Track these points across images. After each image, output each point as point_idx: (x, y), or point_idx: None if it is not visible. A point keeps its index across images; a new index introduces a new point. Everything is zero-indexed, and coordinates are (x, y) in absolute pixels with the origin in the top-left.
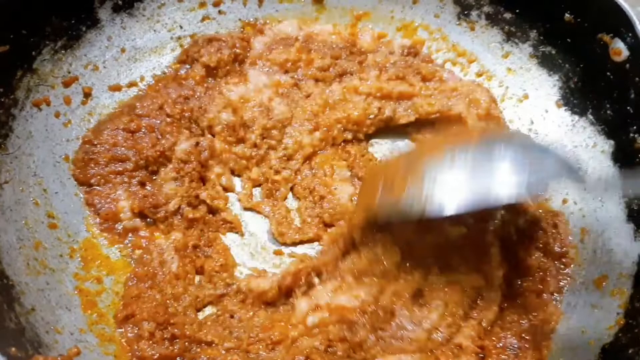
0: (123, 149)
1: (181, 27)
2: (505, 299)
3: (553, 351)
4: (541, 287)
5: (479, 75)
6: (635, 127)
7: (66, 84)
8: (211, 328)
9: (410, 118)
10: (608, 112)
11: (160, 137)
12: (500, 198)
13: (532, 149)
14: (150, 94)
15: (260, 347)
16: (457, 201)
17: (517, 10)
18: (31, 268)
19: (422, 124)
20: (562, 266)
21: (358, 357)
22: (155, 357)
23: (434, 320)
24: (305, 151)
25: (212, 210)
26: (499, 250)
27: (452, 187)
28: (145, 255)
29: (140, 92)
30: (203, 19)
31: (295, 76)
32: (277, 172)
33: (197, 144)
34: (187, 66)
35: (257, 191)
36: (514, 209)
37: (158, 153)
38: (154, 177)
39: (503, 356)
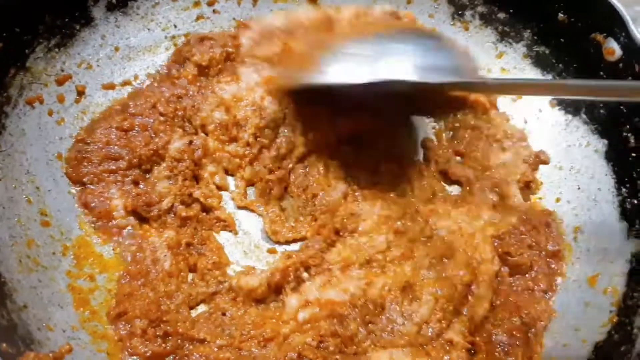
0: (116, 147)
1: (175, 26)
2: (496, 296)
3: (546, 349)
4: (533, 284)
5: None
6: (628, 127)
7: (60, 82)
8: (203, 325)
9: None
10: (601, 111)
11: (153, 135)
12: (401, 74)
13: (432, 42)
14: (143, 93)
15: (253, 344)
16: (360, 72)
17: (511, 10)
18: (23, 265)
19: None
20: (555, 264)
21: (349, 351)
22: (148, 354)
23: (424, 315)
24: (299, 151)
25: (206, 209)
26: (492, 247)
27: (354, 61)
28: (138, 253)
29: (133, 91)
30: (197, 18)
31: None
32: (270, 171)
33: (191, 142)
34: (180, 65)
35: (251, 190)
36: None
37: (151, 152)
38: (147, 176)
39: (494, 353)
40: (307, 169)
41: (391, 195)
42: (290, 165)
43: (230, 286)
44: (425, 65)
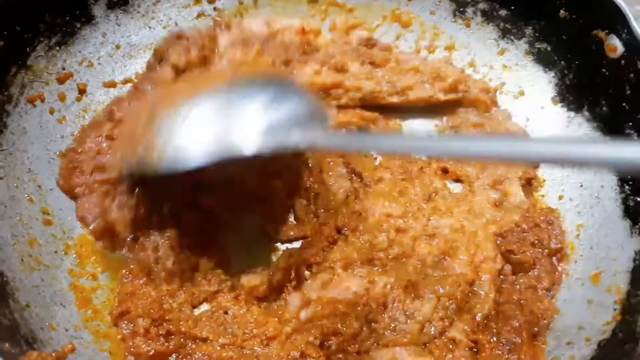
0: (108, 156)
1: (176, 24)
2: (499, 294)
3: (549, 347)
4: (536, 283)
5: (475, 72)
6: (630, 124)
7: (61, 81)
8: (206, 324)
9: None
10: (604, 108)
11: None
12: (240, 148)
13: (279, 93)
14: (125, 99)
15: (255, 342)
16: (195, 154)
17: (513, 7)
18: (26, 264)
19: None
20: (557, 262)
21: (352, 350)
22: (151, 353)
23: (427, 313)
24: None
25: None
26: (494, 245)
27: (189, 137)
28: (140, 252)
29: (114, 98)
30: (198, 16)
31: None
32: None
33: None
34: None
35: None
36: None
37: None
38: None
39: (497, 351)
40: (310, 167)
41: (393, 193)
42: None
43: (232, 285)
44: (273, 122)
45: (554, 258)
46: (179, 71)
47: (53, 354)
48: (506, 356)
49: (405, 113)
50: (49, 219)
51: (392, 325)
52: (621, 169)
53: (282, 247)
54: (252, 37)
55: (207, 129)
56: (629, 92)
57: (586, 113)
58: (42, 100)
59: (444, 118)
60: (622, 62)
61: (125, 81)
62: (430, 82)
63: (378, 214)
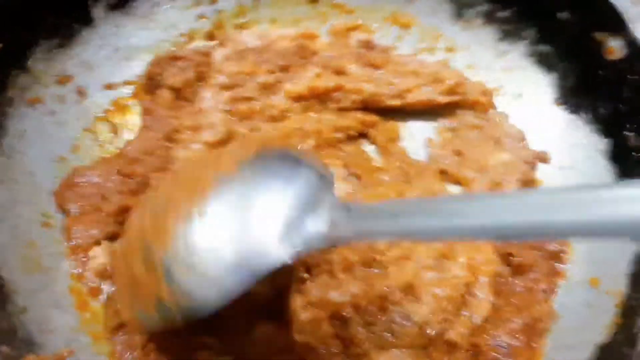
0: (111, 187)
1: (176, 26)
2: (498, 297)
3: (548, 350)
4: (535, 285)
5: (475, 74)
6: (629, 126)
7: (60, 83)
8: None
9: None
10: (603, 110)
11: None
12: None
13: (287, 173)
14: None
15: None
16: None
17: (513, 9)
18: (24, 267)
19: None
20: (556, 265)
21: (352, 352)
22: None
23: (426, 316)
24: None
25: None
26: (493, 247)
27: (214, 268)
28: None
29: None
30: (198, 18)
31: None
32: None
33: None
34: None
35: None
36: None
37: None
38: None
39: (495, 354)
40: None
41: (391, 195)
42: None
43: None
44: (293, 216)
45: (552, 261)
46: (176, 90)
47: (52, 357)
48: (504, 359)
49: (404, 115)
50: (48, 222)
51: (391, 328)
52: None
53: None
54: (246, 50)
55: (229, 250)
56: (628, 94)
57: (585, 115)
58: (42, 103)
59: (443, 120)
60: (622, 64)
61: (125, 83)
62: (430, 85)
63: None
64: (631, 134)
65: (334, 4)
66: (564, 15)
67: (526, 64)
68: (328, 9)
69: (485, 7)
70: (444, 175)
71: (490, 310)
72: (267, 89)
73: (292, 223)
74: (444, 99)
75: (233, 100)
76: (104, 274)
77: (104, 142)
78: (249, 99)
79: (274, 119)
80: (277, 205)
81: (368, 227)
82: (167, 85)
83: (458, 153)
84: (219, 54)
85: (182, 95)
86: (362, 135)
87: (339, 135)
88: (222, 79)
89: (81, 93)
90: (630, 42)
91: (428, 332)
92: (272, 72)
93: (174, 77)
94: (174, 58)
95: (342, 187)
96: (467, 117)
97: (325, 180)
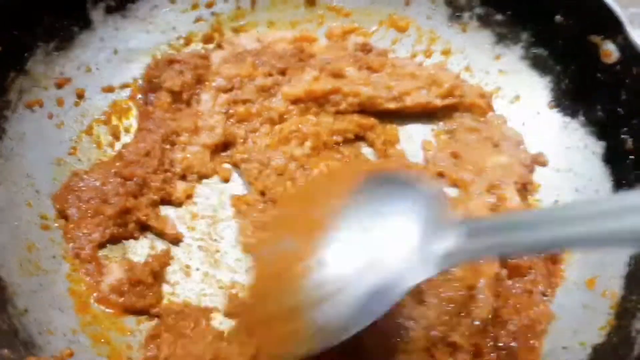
0: (110, 191)
1: (174, 29)
2: (497, 299)
3: (544, 351)
4: (532, 287)
5: (471, 77)
6: (626, 129)
7: (59, 86)
8: None
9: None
10: (599, 113)
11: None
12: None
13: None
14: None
15: None
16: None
17: (509, 12)
18: (24, 269)
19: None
20: (553, 266)
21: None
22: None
23: (431, 318)
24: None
25: None
26: None
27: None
28: None
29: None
30: (196, 20)
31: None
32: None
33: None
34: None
35: None
36: None
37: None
38: None
39: (495, 355)
40: (307, 171)
41: None
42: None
43: None
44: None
45: (549, 262)
46: (174, 93)
47: (51, 359)
48: None
49: (402, 118)
50: (47, 224)
51: (396, 330)
52: None
53: None
54: (244, 53)
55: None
56: (624, 97)
57: (582, 118)
58: (41, 105)
59: (440, 123)
60: (618, 67)
61: (124, 86)
62: (427, 88)
63: None
64: (627, 137)
65: (331, 7)
66: (559, 18)
67: (522, 67)
68: (325, 12)
69: (480, 11)
70: (442, 177)
71: (490, 312)
72: (265, 91)
73: (421, 245)
74: (441, 102)
75: (231, 102)
76: (119, 290)
77: (102, 144)
78: (247, 101)
79: (271, 121)
80: (405, 228)
81: (491, 243)
82: (166, 88)
83: (456, 155)
84: (217, 57)
85: (181, 97)
86: (360, 138)
87: (337, 138)
88: (220, 81)
89: (80, 95)
90: (626, 44)
91: (432, 334)
92: (270, 74)
93: (173, 79)
94: (173, 61)
95: None
96: (465, 119)
97: (439, 199)
